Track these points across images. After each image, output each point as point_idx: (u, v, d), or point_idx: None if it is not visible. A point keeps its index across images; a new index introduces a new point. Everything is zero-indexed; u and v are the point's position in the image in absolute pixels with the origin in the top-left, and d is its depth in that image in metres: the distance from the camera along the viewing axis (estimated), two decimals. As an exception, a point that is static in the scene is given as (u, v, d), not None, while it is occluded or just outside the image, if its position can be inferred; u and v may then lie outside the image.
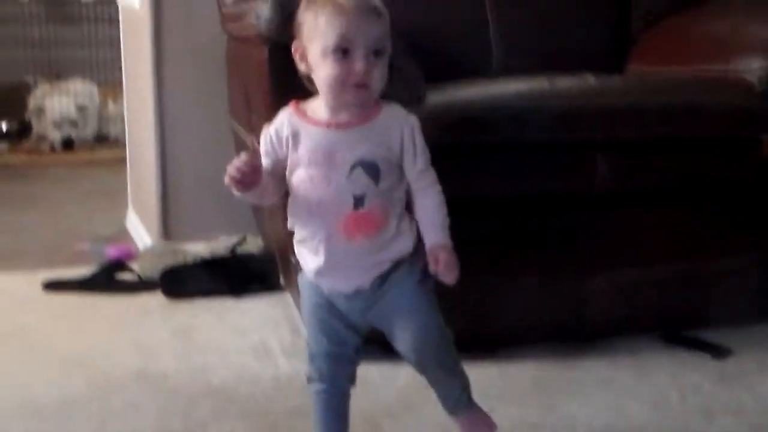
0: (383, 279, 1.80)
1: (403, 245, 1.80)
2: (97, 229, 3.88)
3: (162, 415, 2.27)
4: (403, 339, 1.84)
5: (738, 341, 2.66)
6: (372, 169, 1.72)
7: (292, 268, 2.67)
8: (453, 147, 2.26)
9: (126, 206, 4.03)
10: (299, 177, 1.76)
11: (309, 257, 1.81)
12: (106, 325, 2.87)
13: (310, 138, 1.74)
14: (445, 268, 1.75)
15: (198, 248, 3.22)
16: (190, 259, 3.15)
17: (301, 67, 1.77)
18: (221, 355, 2.62)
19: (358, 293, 1.80)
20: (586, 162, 2.56)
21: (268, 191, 1.80)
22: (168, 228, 3.46)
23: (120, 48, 4.16)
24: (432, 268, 1.76)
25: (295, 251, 1.86)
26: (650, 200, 2.65)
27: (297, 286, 2.59)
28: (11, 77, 5.60)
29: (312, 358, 1.88)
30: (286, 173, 1.79)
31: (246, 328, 2.82)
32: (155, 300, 3.05)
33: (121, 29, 4.08)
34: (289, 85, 2.36)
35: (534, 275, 2.56)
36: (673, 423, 2.24)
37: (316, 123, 1.75)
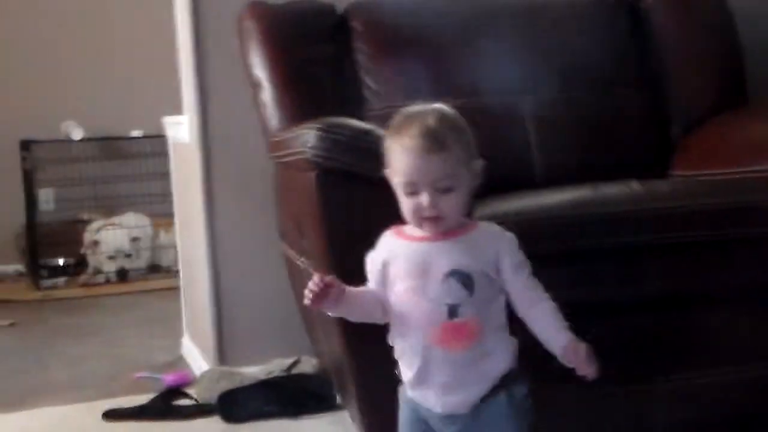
0: (480, 403, 1.76)
1: (502, 362, 1.77)
2: (154, 356, 3.90)
3: None
4: None
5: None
6: (466, 280, 1.72)
7: (349, 386, 2.69)
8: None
9: (181, 333, 4.05)
10: (397, 291, 1.78)
11: (405, 371, 1.81)
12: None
13: (406, 253, 1.78)
14: (585, 362, 1.73)
15: (254, 371, 3.22)
16: (246, 382, 3.14)
17: (395, 191, 1.80)
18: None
19: (453, 417, 1.77)
20: (634, 267, 2.56)
21: (368, 309, 1.82)
22: (223, 352, 3.45)
23: (170, 180, 4.22)
24: (570, 362, 1.73)
25: (398, 365, 1.85)
26: (707, 302, 2.63)
27: (356, 404, 2.63)
28: (67, 215, 5.69)
29: None
30: (388, 292, 1.81)
31: None
32: (214, 424, 3.04)
33: (171, 162, 4.16)
34: (338, 209, 2.44)
35: (593, 384, 2.54)
36: None
37: (411, 238, 1.79)
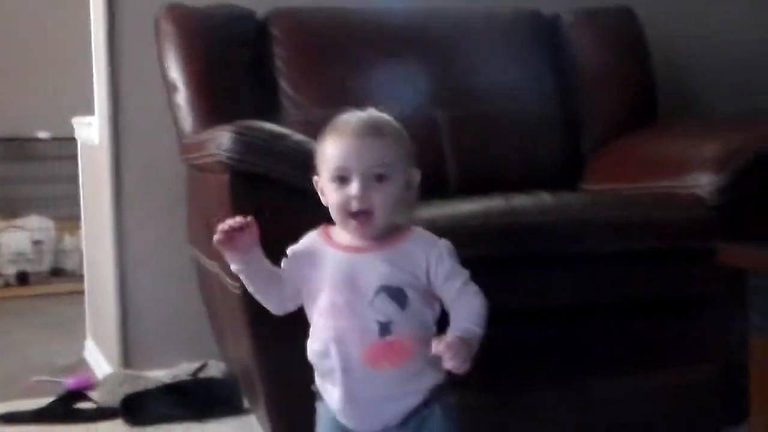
0: (412, 416, 1.67)
1: (434, 377, 1.67)
2: (55, 360, 3.84)
3: None
4: None
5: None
6: (398, 295, 1.61)
7: (257, 391, 2.67)
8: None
9: (84, 336, 4.00)
10: (321, 304, 1.67)
11: (332, 390, 1.69)
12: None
13: (332, 262, 1.67)
14: (452, 352, 1.56)
15: (159, 374, 3.19)
16: (151, 386, 3.11)
17: (323, 199, 1.71)
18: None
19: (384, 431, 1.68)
20: (542, 277, 2.58)
21: (270, 284, 1.73)
22: (128, 356, 3.43)
23: (77, 183, 4.17)
24: (438, 348, 1.57)
25: (317, 383, 1.75)
26: (615, 313, 2.67)
27: (264, 409, 2.61)
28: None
29: None
30: (307, 300, 1.72)
31: None
32: (116, 428, 3.00)
33: (79, 165, 4.11)
34: (250, 212, 2.42)
35: (502, 390, 2.56)
36: None
37: (337, 247, 1.68)
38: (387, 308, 1.61)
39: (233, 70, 3.16)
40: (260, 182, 2.39)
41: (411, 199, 1.69)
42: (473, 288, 1.70)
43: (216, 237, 1.69)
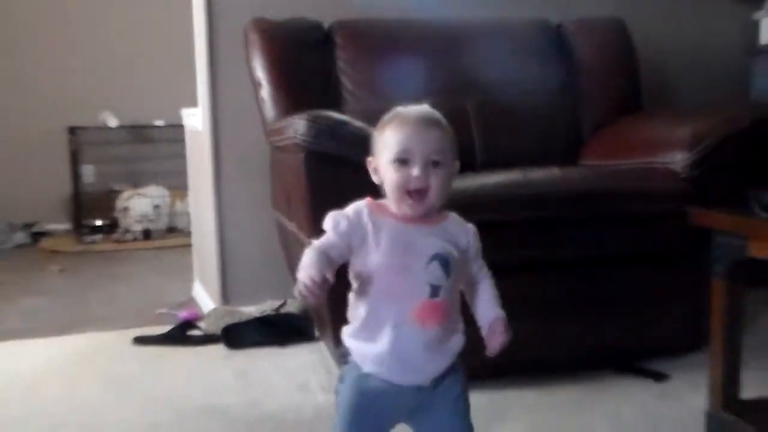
0: (442, 377, 1.54)
1: (460, 341, 1.56)
2: (171, 297, 3.86)
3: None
4: None
5: (673, 368, 2.67)
6: (445, 264, 1.50)
7: (325, 323, 2.67)
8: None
9: (192, 279, 4.02)
10: (375, 265, 1.51)
11: (369, 347, 1.53)
12: (181, 370, 2.86)
13: (390, 229, 1.51)
14: (500, 340, 1.54)
15: (250, 309, 3.19)
16: (244, 318, 3.12)
17: (375, 178, 1.56)
18: (272, 391, 2.59)
19: (413, 390, 1.53)
20: (550, 234, 2.57)
21: (335, 265, 1.52)
22: (226, 295, 3.44)
23: (184, 160, 4.18)
24: (487, 336, 1.55)
25: (347, 344, 1.57)
26: (611, 263, 2.66)
27: (331, 338, 2.60)
28: (103, 186, 5.66)
29: None
30: (353, 261, 1.53)
31: (290, 371, 2.79)
32: (218, 350, 3.03)
33: (186, 146, 4.11)
34: (321, 183, 2.42)
35: (521, 321, 2.53)
36: (627, 428, 2.28)
37: (394, 217, 1.52)
38: (438, 273, 1.50)
39: (305, 70, 3.13)
40: (328, 160, 2.40)
41: (452, 184, 1.55)
42: (488, 270, 1.63)
43: (301, 293, 1.45)
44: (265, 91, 3.07)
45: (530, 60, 3.40)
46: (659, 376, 2.63)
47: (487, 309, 1.59)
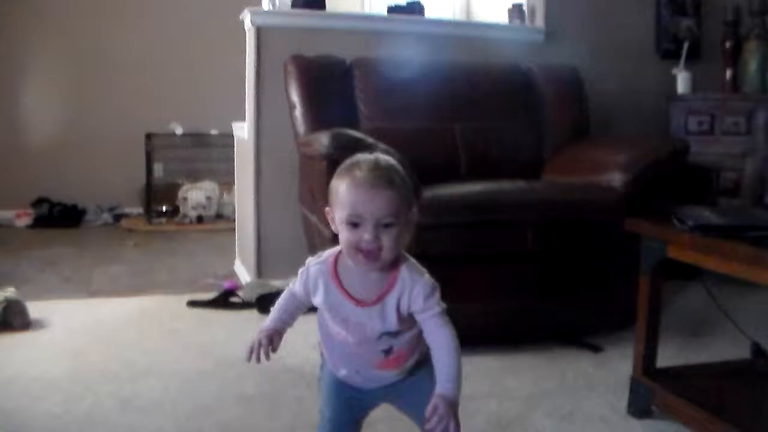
0: (411, 373, 1.37)
1: (420, 355, 1.36)
2: (216, 270, 3.84)
3: (259, 384, 2.27)
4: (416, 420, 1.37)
5: (608, 342, 2.65)
6: (394, 333, 1.29)
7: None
8: (443, 224, 2.25)
9: (234, 257, 4.00)
10: (331, 325, 1.33)
11: (337, 365, 1.38)
12: (224, 328, 2.85)
13: (342, 307, 1.29)
14: (438, 422, 1.21)
15: (280, 283, 3.16)
16: (274, 290, 3.06)
17: (332, 227, 1.29)
18: (293, 347, 2.55)
19: (381, 387, 1.38)
20: (518, 233, 2.55)
21: (295, 317, 1.39)
22: (261, 270, 3.42)
23: (233, 161, 4.16)
24: (427, 414, 1.22)
25: (322, 350, 1.41)
26: (561, 257, 2.64)
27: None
28: (169, 180, 5.65)
29: (324, 422, 1.44)
30: (320, 310, 1.35)
31: (306, 333, 2.67)
32: (252, 314, 3.01)
33: (235, 151, 4.08)
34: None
35: (486, 302, 2.53)
36: (570, 390, 2.25)
37: (348, 297, 1.29)
38: (388, 341, 1.30)
39: (330, 96, 3.11)
40: None
41: (411, 232, 1.28)
42: (443, 320, 1.29)
43: (249, 359, 1.35)
44: (298, 111, 3.05)
45: (505, 95, 3.37)
46: (596, 348, 2.61)
47: (439, 379, 1.26)
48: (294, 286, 1.37)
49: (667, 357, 2.19)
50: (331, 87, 3.13)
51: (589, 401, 2.16)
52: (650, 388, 2.01)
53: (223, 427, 1.99)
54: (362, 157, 1.27)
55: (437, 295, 1.29)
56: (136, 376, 2.31)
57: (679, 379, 2.02)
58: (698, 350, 2.57)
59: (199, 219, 5.49)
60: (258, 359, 1.33)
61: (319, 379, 1.48)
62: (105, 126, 5.66)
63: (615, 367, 2.43)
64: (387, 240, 1.22)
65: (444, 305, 1.29)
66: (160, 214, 5.55)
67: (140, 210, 5.76)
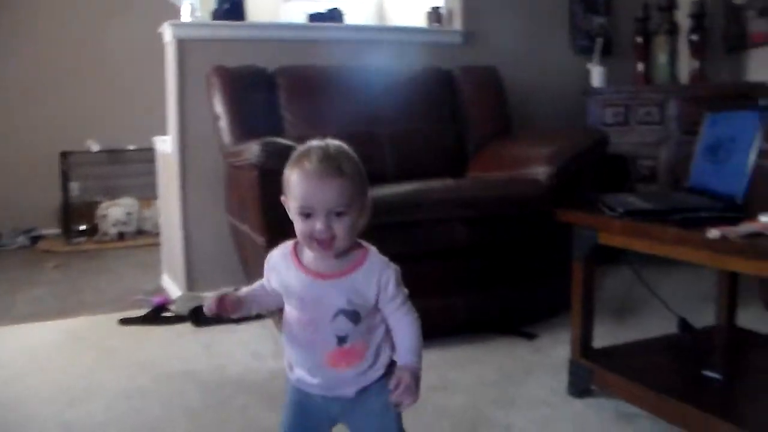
0: (365, 390, 1.32)
1: (381, 368, 1.32)
2: (143, 285, 3.77)
3: (202, 396, 2.25)
4: None
5: (542, 329, 2.74)
6: (352, 315, 1.26)
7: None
8: (373, 225, 2.27)
9: (161, 272, 3.93)
10: (289, 313, 1.32)
11: (295, 366, 1.35)
12: (158, 343, 2.81)
13: (301, 283, 1.28)
14: (403, 391, 1.24)
15: (211, 294, 3.13)
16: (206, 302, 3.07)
17: (289, 214, 1.27)
18: (233, 358, 2.58)
19: (337, 398, 1.33)
20: (449, 229, 2.60)
21: (264, 304, 1.37)
22: (191, 282, 3.38)
23: (152, 175, 4.08)
24: (392, 386, 1.25)
25: (286, 352, 1.36)
26: (491, 251, 2.69)
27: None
28: (87, 197, 5.51)
29: None
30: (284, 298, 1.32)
31: (246, 341, 2.77)
32: (186, 328, 2.99)
33: (157, 164, 4.00)
34: (270, 195, 2.39)
35: (423, 298, 2.55)
36: (511, 378, 2.31)
37: (306, 271, 1.27)
38: (344, 325, 1.27)
39: (254, 106, 3.11)
40: (276, 177, 2.33)
41: (366, 218, 1.28)
42: (410, 308, 1.32)
43: (206, 311, 1.35)
44: (223, 122, 3.03)
45: (428, 97, 3.43)
46: (530, 336, 2.69)
47: (400, 355, 1.30)
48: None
49: (601, 337, 2.27)
50: (255, 97, 3.13)
51: (530, 386, 2.23)
52: (588, 369, 2.08)
53: (172, 442, 1.97)
54: (313, 145, 1.26)
55: (401, 282, 1.31)
56: (75, 399, 2.26)
57: (614, 358, 2.11)
58: (629, 329, 2.68)
59: (120, 236, 5.38)
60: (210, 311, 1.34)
61: (287, 381, 1.41)
62: (16, 147, 5.48)
63: (549, 352, 2.51)
64: (340, 229, 1.22)
65: (407, 291, 1.31)
66: (79, 233, 5.41)
67: (58, 230, 5.60)
